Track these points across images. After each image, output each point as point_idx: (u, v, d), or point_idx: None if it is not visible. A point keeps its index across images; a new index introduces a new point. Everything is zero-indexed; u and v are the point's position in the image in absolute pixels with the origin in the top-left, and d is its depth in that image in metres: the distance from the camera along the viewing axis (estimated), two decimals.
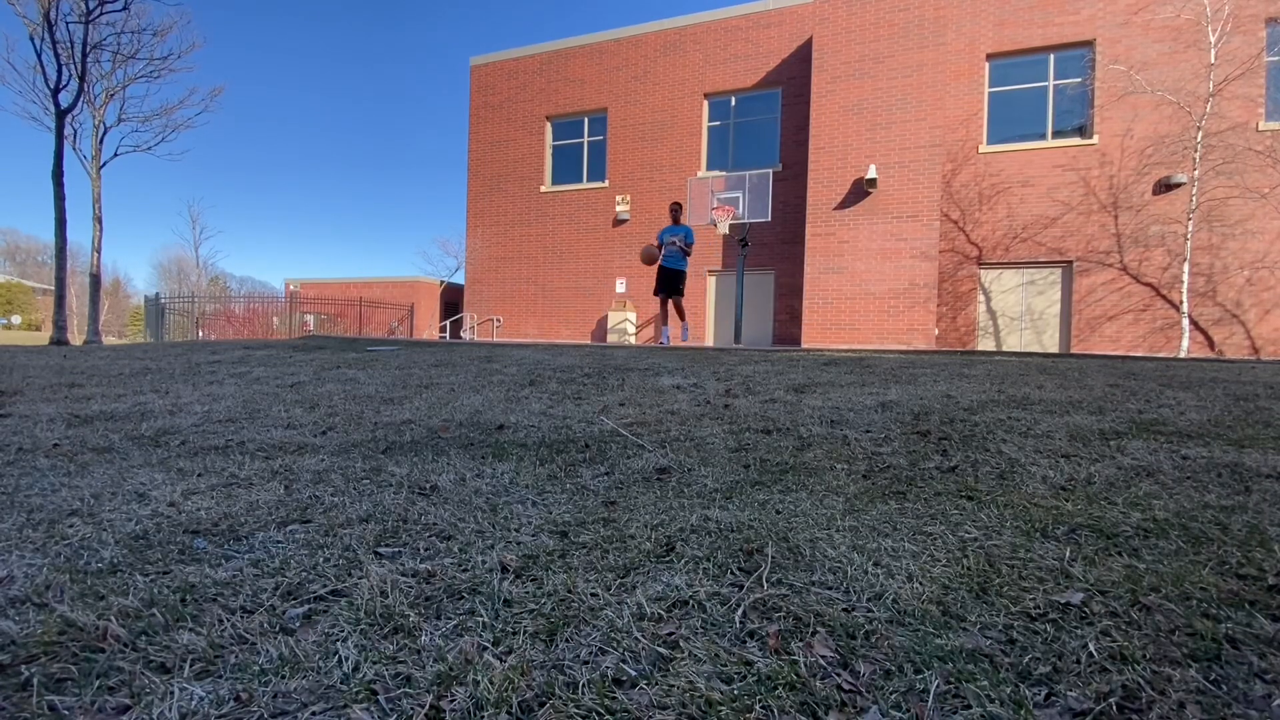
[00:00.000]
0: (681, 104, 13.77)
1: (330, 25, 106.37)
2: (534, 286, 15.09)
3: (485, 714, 0.80)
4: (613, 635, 0.98)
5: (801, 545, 1.32)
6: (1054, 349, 11.10)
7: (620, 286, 14.05)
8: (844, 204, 11.22)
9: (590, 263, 14.43)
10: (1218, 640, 0.93)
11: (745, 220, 11.24)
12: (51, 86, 11.83)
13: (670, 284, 8.75)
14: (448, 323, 17.66)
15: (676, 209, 8.87)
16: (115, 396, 3.31)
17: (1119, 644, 0.93)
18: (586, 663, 0.91)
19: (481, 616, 1.04)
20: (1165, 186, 10.48)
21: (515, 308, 15.33)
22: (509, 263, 15.40)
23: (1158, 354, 9.62)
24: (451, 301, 21.67)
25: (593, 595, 1.12)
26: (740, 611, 1.05)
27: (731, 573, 1.20)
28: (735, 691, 0.84)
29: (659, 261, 8.64)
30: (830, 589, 1.13)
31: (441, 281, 23.15)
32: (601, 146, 14.60)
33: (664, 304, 8.97)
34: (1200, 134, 9.76)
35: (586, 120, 14.86)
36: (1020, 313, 11.54)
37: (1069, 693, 0.82)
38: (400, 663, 0.91)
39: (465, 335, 15.61)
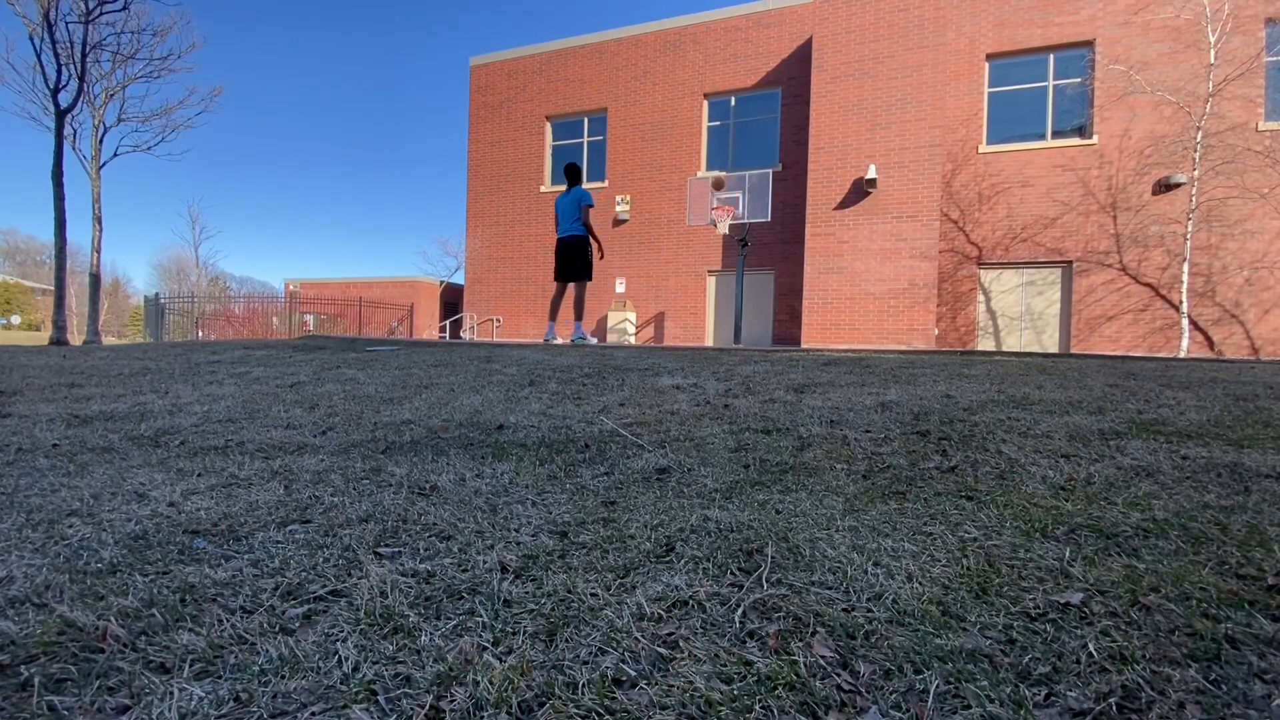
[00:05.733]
0: (681, 104, 13.77)
1: (330, 23, 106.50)
2: (534, 286, 15.08)
3: (485, 714, 0.80)
4: (613, 635, 0.98)
5: (801, 545, 1.32)
6: (1054, 349, 11.10)
7: (620, 286, 14.06)
8: (844, 204, 11.22)
9: None
10: (1218, 640, 0.93)
11: (745, 220, 11.24)
12: (51, 86, 11.82)
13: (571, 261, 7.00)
14: (447, 323, 17.66)
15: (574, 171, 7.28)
16: (115, 396, 3.31)
17: (1119, 644, 0.93)
18: (586, 663, 0.91)
19: (481, 616, 1.04)
20: (1165, 186, 10.48)
21: (515, 308, 15.33)
22: (509, 263, 15.40)
23: (1157, 354, 9.62)
24: (451, 301, 21.65)
25: (592, 595, 1.12)
26: (740, 611, 1.05)
27: (731, 573, 1.20)
28: (735, 691, 0.84)
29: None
30: (830, 589, 1.13)
31: (441, 281, 23.14)
32: (601, 146, 14.60)
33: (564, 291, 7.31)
34: (1200, 134, 9.76)
35: (586, 120, 14.86)
36: (1020, 313, 11.54)
37: (1069, 693, 0.82)
38: (400, 663, 0.91)
39: (465, 335, 15.60)
